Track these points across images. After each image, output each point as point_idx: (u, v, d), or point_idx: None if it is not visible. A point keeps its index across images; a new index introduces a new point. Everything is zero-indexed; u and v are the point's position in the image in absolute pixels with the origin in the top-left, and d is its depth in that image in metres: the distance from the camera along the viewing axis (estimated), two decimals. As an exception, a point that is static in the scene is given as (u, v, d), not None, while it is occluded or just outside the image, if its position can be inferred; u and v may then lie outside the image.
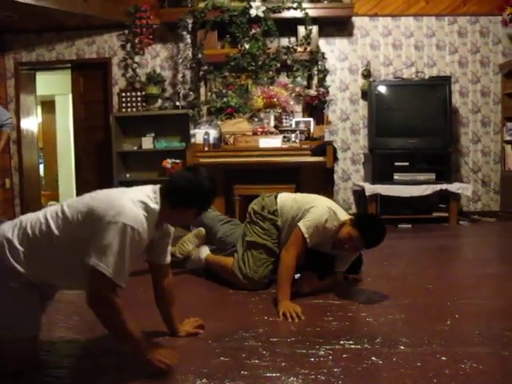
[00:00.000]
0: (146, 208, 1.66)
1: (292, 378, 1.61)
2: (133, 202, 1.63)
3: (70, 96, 6.55)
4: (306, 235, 2.48)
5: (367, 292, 2.70)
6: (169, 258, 1.95)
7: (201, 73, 5.71)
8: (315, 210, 2.56)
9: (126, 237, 1.55)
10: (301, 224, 2.52)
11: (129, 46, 6.09)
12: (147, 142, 5.92)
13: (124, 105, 6.07)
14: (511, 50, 5.88)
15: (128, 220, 1.56)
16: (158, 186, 1.77)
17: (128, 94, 6.07)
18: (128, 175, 6.01)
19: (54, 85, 7.36)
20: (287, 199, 2.85)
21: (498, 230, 5.17)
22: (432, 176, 5.25)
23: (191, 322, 2.07)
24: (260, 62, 5.55)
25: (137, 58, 6.09)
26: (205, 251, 3.06)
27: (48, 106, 8.74)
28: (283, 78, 5.73)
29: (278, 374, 1.64)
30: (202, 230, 3.15)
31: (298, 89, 5.60)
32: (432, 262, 3.61)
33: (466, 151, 5.94)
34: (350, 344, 1.91)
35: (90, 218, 1.61)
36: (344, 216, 2.60)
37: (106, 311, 1.58)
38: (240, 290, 2.72)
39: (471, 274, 3.22)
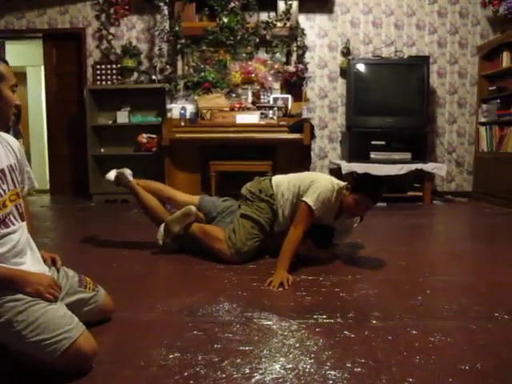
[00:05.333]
0: None
1: (265, 352, 1.61)
2: None
3: (42, 68, 6.34)
4: (313, 207, 2.54)
5: (341, 268, 2.72)
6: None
7: (178, 46, 5.59)
8: (318, 184, 2.63)
9: None
10: (306, 199, 2.58)
11: (104, 16, 5.92)
12: (122, 117, 5.80)
13: (99, 77, 5.92)
14: (489, 32, 5.91)
15: None
16: None
17: (103, 66, 5.91)
18: (102, 150, 5.89)
19: (25, 55, 7.09)
20: (282, 182, 2.87)
21: (470, 209, 5.27)
22: (408, 155, 5.29)
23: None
24: (238, 37, 5.46)
25: (112, 30, 5.93)
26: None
27: (19, 77, 8.40)
28: (262, 54, 5.65)
29: (250, 348, 1.64)
30: (191, 207, 2.90)
31: (276, 65, 5.53)
32: (405, 240, 3.66)
33: (442, 132, 6.01)
34: (324, 318, 1.92)
35: None
36: (341, 184, 2.70)
37: None
38: (215, 265, 2.71)
39: (443, 251, 3.28)
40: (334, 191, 2.64)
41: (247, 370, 1.48)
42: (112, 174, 3.13)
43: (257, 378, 1.43)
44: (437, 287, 2.37)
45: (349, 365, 1.52)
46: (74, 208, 5.28)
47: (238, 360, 1.55)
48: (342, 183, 2.74)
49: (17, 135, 4.57)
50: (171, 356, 1.57)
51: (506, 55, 5.35)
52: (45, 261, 1.68)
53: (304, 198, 2.61)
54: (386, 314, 1.97)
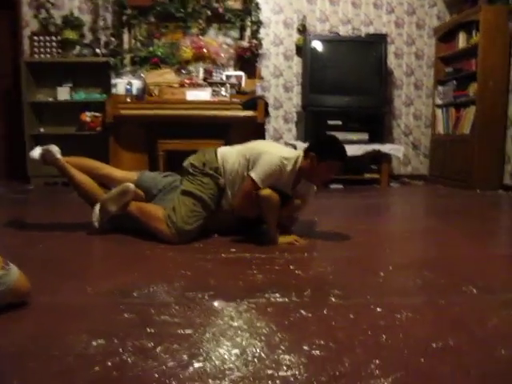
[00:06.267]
0: None
1: (207, 335, 1.36)
2: None
3: (-28, 38, 5.77)
4: (259, 182, 2.40)
5: (295, 246, 2.50)
6: None
7: (124, 17, 5.20)
8: (266, 156, 2.44)
9: None
10: (252, 173, 2.42)
11: (42, -18, 5.41)
12: (64, 93, 5.35)
13: (37, 50, 5.42)
14: (446, 14, 5.85)
15: None
16: None
17: (41, 38, 5.41)
18: (42, 129, 5.43)
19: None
20: (230, 154, 2.61)
21: (426, 191, 5.21)
22: (365, 136, 5.16)
23: None
24: (189, 9, 5.14)
25: (51, -2, 5.44)
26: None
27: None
28: (214, 31, 5.35)
29: (190, 332, 1.38)
30: (128, 185, 2.59)
31: (228, 40, 5.25)
32: (363, 219, 3.50)
33: (399, 114, 5.91)
34: (276, 297, 1.69)
35: None
36: (295, 153, 2.54)
37: None
38: (158, 244, 2.43)
39: (402, 228, 3.14)
40: (284, 165, 2.44)
41: (185, 357, 1.22)
42: (36, 152, 2.70)
43: (196, 366, 1.18)
44: (399, 263, 2.19)
45: (306, 347, 1.29)
46: (7, 191, 4.81)
47: (175, 346, 1.29)
48: (294, 153, 2.54)
49: None
50: (94, 343, 1.30)
51: (461, 36, 5.30)
52: None
53: (250, 172, 2.42)
54: (346, 292, 1.76)
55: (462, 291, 1.78)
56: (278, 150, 2.53)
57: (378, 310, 1.58)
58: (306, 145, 2.57)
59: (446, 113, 5.53)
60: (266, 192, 2.39)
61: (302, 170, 2.50)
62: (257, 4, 5.29)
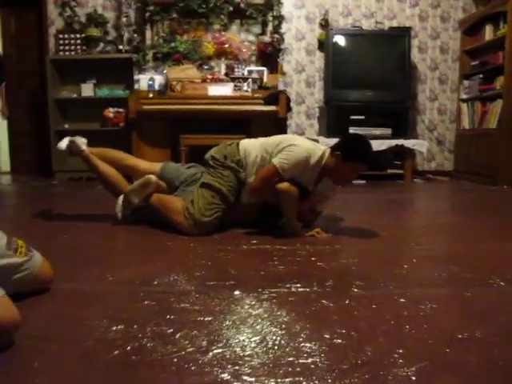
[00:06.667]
0: None
1: (227, 323, 1.35)
2: None
3: (0, 38, 5.89)
4: (279, 169, 2.36)
5: (317, 239, 2.47)
6: None
7: (147, 14, 5.23)
8: (293, 147, 2.40)
9: None
10: (274, 160, 2.39)
11: (66, -19, 5.49)
12: (87, 89, 5.42)
13: (62, 48, 5.51)
14: (472, 7, 5.72)
15: None
16: None
17: (66, 35, 5.50)
18: (66, 125, 5.51)
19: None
20: (252, 147, 2.58)
21: (451, 187, 5.09)
22: (388, 131, 5.08)
23: None
24: (211, 5, 5.14)
25: (76, -4, 5.52)
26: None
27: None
28: (236, 27, 5.34)
29: (209, 319, 1.38)
30: (150, 177, 2.60)
31: (250, 36, 5.24)
32: (387, 213, 3.44)
33: (423, 109, 5.81)
34: (298, 287, 1.67)
35: None
36: (321, 148, 2.50)
37: None
38: (179, 236, 2.44)
39: (426, 223, 3.08)
40: (310, 158, 2.40)
41: (204, 343, 1.21)
42: (64, 143, 2.75)
43: (215, 351, 1.17)
44: (423, 256, 2.14)
45: (327, 336, 1.27)
46: (32, 186, 4.90)
47: (194, 332, 1.28)
48: (321, 148, 2.50)
49: None
50: (114, 328, 1.30)
51: (488, 28, 5.17)
52: None
53: (273, 160, 2.39)
54: (368, 283, 1.73)
55: (489, 284, 1.72)
56: (304, 143, 2.50)
57: (402, 300, 1.54)
58: (332, 141, 2.56)
59: (472, 107, 5.40)
60: (284, 185, 2.36)
61: (325, 166, 2.46)
62: (278, -1, 5.26)
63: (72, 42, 5.49)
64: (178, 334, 1.26)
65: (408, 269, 1.93)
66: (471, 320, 1.39)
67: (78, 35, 5.48)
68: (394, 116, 5.16)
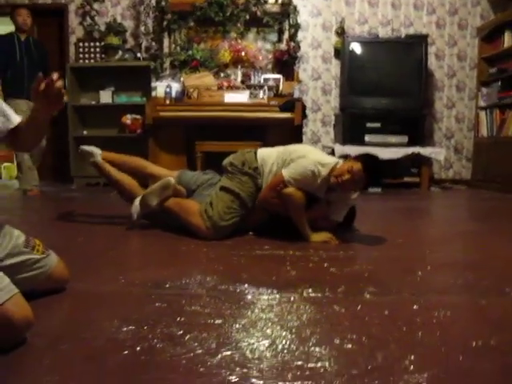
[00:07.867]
0: None
1: (237, 326, 1.35)
2: None
3: (23, 45, 6.01)
4: (286, 181, 2.39)
5: (331, 245, 2.45)
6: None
7: (164, 22, 5.31)
8: (303, 160, 2.43)
9: None
10: (284, 171, 2.41)
11: (87, -9, 5.60)
12: (106, 97, 5.51)
13: (81, 56, 5.62)
14: (490, 13, 5.67)
15: None
16: None
17: (86, 44, 5.62)
18: (85, 132, 5.60)
19: (5, 32, 6.75)
20: (270, 155, 2.61)
21: (468, 195, 5.03)
22: (404, 139, 5.04)
23: None
24: (228, 13, 5.18)
25: (96, 6, 5.64)
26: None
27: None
28: (252, 35, 5.38)
29: (220, 322, 1.37)
30: (169, 179, 2.62)
31: (267, 44, 5.27)
32: (402, 221, 3.41)
33: (440, 116, 5.76)
34: (309, 292, 1.66)
35: None
36: (333, 160, 2.48)
37: None
38: (193, 240, 2.44)
39: (442, 231, 3.03)
40: (319, 171, 2.39)
41: (213, 346, 1.21)
42: (89, 147, 2.85)
43: (224, 354, 1.17)
44: (438, 263, 2.11)
45: (337, 341, 1.26)
46: (50, 191, 4.97)
47: (204, 334, 1.28)
48: (332, 160, 2.49)
49: None
50: (124, 329, 1.30)
51: (507, 35, 5.12)
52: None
53: (283, 170, 2.42)
54: (381, 289, 1.71)
55: (506, 292, 1.69)
56: (316, 156, 2.49)
57: (415, 307, 1.52)
58: (347, 148, 2.51)
59: (490, 115, 5.34)
60: (288, 190, 2.38)
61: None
62: (295, 7, 5.29)
63: (92, 50, 5.60)
64: (188, 336, 1.26)
65: (422, 276, 1.90)
66: (486, 328, 1.36)
67: (97, 43, 5.59)
68: (411, 124, 5.13)
